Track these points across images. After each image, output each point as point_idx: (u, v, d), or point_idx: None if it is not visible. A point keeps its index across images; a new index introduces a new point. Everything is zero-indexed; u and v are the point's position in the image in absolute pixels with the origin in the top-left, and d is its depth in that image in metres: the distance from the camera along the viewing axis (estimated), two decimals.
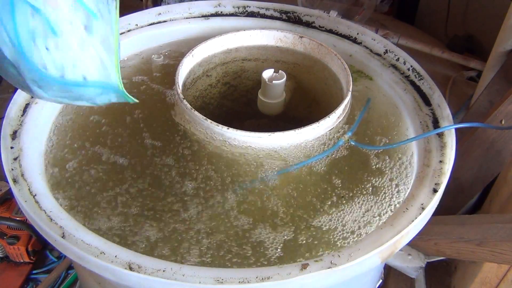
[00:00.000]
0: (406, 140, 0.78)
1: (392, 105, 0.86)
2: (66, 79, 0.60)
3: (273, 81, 0.88)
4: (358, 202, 0.71)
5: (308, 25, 1.02)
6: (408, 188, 0.72)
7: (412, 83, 0.87)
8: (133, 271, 0.58)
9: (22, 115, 0.78)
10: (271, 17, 1.04)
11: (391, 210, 0.70)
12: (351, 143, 0.79)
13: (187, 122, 0.80)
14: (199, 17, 1.04)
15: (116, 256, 0.59)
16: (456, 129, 0.77)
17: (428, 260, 1.01)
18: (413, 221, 0.64)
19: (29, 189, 0.68)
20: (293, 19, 1.03)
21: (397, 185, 0.73)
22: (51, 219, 0.64)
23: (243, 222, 0.68)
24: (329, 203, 0.71)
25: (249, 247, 0.65)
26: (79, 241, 0.61)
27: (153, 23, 1.01)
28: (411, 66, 0.89)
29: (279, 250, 0.65)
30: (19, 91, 0.80)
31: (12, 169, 0.70)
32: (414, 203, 0.67)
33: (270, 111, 0.94)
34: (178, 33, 1.01)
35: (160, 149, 0.78)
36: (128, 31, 0.98)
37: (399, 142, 0.79)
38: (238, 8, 1.05)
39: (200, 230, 0.67)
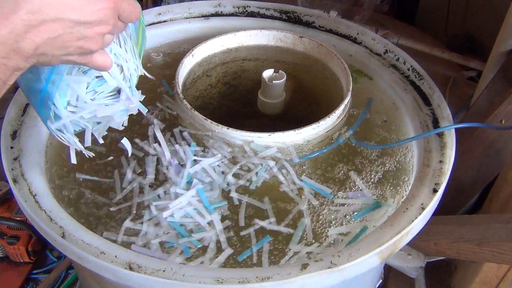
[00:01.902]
0: (405, 139, 0.78)
1: (392, 105, 0.86)
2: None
3: (273, 81, 0.88)
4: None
5: (308, 25, 1.02)
6: (408, 188, 0.72)
7: (412, 83, 0.87)
8: (133, 271, 0.58)
9: (22, 115, 0.78)
10: (271, 17, 1.04)
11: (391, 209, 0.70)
12: (351, 141, 0.79)
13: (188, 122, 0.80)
14: (199, 17, 1.04)
15: (116, 256, 0.59)
16: (456, 129, 0.77)
17: (428, 260, 1.01)
18: (413, 221, 0.64)
19: (29, 189, 0.68)
20: (293, 19, 1.03)
21: (396, 185, 0.74)
22: (51, 219, 0.64)
23: None
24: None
25: None
26: (79, 241, 0.61)
27: (153, 23, 1.01)
28: (411, 66, 0.89)
29: None
30: (19, 90, 0.80)
31: (12, 169, 0.70)
32: (414, 203, 0.67)
33: (270, 111, 0.94)
34: (178, 33, 1.01)
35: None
36: None
37: (399, 142, 0.79)
38: (238, 8, 1.05)
39: None
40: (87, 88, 0.58)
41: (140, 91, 0.62)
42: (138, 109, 0.63)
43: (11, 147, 0.73)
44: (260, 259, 0.63)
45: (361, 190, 0.73)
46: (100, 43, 0.52)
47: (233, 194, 0.70)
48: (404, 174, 0.75)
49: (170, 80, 0.90)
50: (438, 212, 0.71)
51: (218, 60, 0.97)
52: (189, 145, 0.75)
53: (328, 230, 0.67)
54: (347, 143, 0.79)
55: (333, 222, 0.69)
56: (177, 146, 0.74)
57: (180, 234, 0.65)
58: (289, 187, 0.72)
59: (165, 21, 1.02)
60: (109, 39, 0.54)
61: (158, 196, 0.70)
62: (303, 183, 0.72)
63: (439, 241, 0.92)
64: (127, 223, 0.66)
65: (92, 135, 0.63)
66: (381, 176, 0.75)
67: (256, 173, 0.73)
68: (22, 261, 1.40)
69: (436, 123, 0.79)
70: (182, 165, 0.72)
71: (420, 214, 0.65)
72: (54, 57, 0.50)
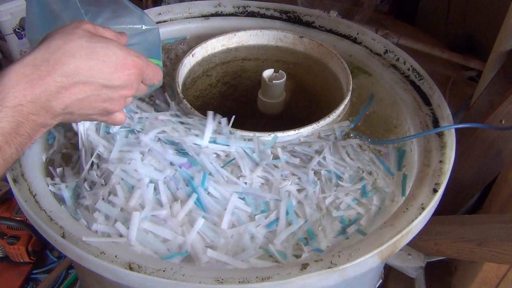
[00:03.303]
0: (405, 137, 0.78)
1: (392, 104, 0.86)
2: None
3: (273, 81, 0.89)
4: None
5: (308, 25, 1.02)
6: (408, 188, 0.72)
7: (412, 83, 0.87)
8: (133, 271, 0.58)
9: None
10: (271, 17, 1.04)
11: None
12: (353, 135, 0.79)
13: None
14: (199, 17, 1.04)
15: (116, 256, 0.59)
16: (456, 129, 0.77)
17: (428, 260, 1.01)
18: (413, 221, 0.64)
19: (29, 189, 0.68)
20: (293, 19, 1.03)
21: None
22: (51, 219, 0.64)
23: None
24: None
25: None
26: (79, 241, 0.61)
27: None
28: (411, 66, 0.89)
29: None
30: None
31: (12, 169, 0.70)
32: (414, 203, 0.67)
33: (270, 111, 0.94)
34: (178, 33, 1.01)
35: None
36: None
37: (399, 139, 0.79)
38: (238, 8, 1.05)
39: None
40: None
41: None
42: None
43: None
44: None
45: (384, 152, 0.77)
46: (122, 105, 0.56)
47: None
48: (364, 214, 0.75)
49: (170, 80, 0.90)
50: (438, 212, 0.71)
51: (218, 60, 0.97)
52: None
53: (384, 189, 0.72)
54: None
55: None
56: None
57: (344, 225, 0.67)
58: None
59: (165, 21, 1.02)
60: (130, 100, 0.58)
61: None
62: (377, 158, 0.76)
63: (439, 241, 0.92)
64: None
65: None
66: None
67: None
68: (22, 261, 1.40)
69: (436, 123, 0.79)
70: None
71: (420, 214, 0.65)
72: (79, 116, 0.54)
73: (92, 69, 0.50)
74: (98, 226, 0.63)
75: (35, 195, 0.67)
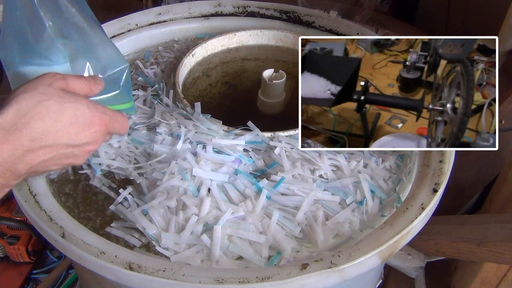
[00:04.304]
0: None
1: None
2: None
3: (273, 81, 0.89)
4: None
5: (308, 25, 1.02)
6: (408, 188, 0.72)
7: None
8: (133, 271, 0.58)
9: None
10: (271, 17, 1.04)
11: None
12: None
13: None
14: (199, 17, 1.04)
15: (116, 256, 0.59)
16: None
17: (428, 260, 1.01)
18: (413, 221, 0.64)
19: (29, 189, 0.68)
20: (293, 19, 1.03)
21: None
22: (51, 219, 0.64)
23: None
24: None
25: None
26: (79, 241, 0.61)
27: (153, 23, 1.01)
28: None
29: None
30: None
31: None
32: (414, 203, 0.67)
33: (270, 111, 0.94)
34: (178, 33, 1.01)
35: None
36: (128, 31, 0.98)
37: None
38: (238, 8, 1.05)
39: None
40: None
41: None
42: None
43: None
44: None
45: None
46: (86, 158, 0.57)
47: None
48: (404, 174, 0.75)
49: (170, 80, 0.90)
50: (438, 212, 0.71)
51: (218, 60, 0.97)
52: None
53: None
54: None
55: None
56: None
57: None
58: None
59: (165, 21, 1.02)
60: (93, 151, 0.58)
61: None
62: None
63: (439, 241, 0.92)
64: None
65: None
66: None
67: None
68: (22, 261, 1.40)
69: None
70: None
71: (420, 214, 0.65)
72: (43, 172, 0.55)
73: (59, 132, 0.51)
74: (183, 239, 0.63)
75: (35, 195, 0.67)
